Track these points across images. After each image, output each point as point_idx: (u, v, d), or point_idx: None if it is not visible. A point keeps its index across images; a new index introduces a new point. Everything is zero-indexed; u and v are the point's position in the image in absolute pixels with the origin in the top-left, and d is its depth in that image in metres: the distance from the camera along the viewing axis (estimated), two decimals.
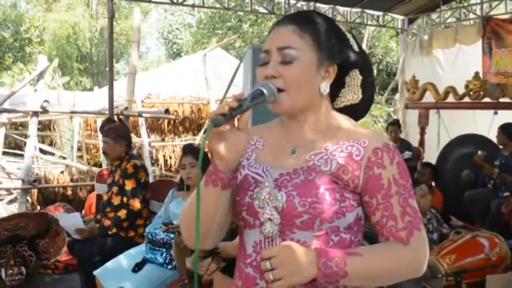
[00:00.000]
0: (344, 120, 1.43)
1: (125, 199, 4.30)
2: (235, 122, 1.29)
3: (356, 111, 1.48)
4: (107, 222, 4.26)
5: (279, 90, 1.34)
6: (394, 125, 7.88)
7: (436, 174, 6.40)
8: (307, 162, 1.36)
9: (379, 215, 1.33)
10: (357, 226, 1.36)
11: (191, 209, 1.34)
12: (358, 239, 1.38)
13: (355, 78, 1.44)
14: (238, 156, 1.30)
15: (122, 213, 4.26)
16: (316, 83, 1.38)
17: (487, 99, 6.51)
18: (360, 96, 1.45)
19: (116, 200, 4.33)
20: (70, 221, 4.48)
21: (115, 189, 4.37)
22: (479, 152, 6.07)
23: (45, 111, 6.93)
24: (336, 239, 1.33)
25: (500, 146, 6.23)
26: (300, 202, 1.31)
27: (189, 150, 3.92)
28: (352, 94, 1.45)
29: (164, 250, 3.80)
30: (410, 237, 1.32)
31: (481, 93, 6.46)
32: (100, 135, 9.96)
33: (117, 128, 4.55)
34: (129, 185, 4.32)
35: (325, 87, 1.39)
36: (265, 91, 1.31)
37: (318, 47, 1.37)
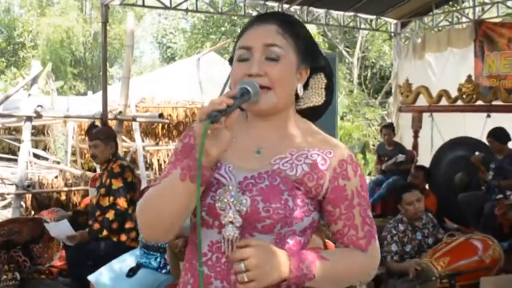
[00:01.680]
0: (309, 127, 1.46)
1: (111, 199, 4.31)
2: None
3: (316, 113, 1.50)
4: (96, 226, 4.27)
5: (264, 87, 1.35)
6: (388, 128, 7.88)
7: (429, 177, 6.43)
8: (272, 166, 1.37)
9: (341, 224, 1.39)
10: (310, 229, 1.41)
11: (159, 201, 1.34)
12: (308, 240, 1.43)
13: (319, 81, 1.46)
14: (221, 154, 1.30)
15: (110, 214, 4.26)
16: (294, 84, 1.41)
17: (479, 102, 6.54)
18: (324, 98, 1.47)
19: (105, 202, 4.35)
20: (59, 230, 4.45)
21: (102, 190, 4.38)
22: (477, 153, 6.07)
23: (38, 116, 6.91)
24: (292, 242, 1.37)
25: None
26: (264, 208, 1.32)
27: None
28: (316, 96, 1.47)
29: (158, 254, 3.80)
30: (369, 245, 1.40)
31: (474, 96, 6.50)
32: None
33: (105, 130, 4.57)
34: (115, 184, 4.33)
35: (300, 89, 1.43)
36: (250, 90, 1.31)
37: (297, 49, 1.39)
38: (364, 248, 1.39)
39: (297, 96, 1.45)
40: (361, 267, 1.41)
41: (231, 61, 1.46)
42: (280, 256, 1.29)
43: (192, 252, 1.43)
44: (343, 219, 1.38)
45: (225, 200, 1.33)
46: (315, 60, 1.44)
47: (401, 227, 4.32)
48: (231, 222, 1.32)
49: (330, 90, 1.48)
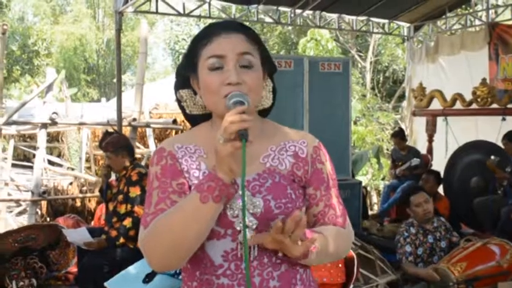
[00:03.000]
0: (273, 123, 1.52)
1: (129, 207, 4.33)
2: None
3: (264, 115, 1.54)
4: (114, 233, 4.27)
5: None
6: (396, 137, 7.62)
7: (440, 181, 6.39)
8: (264, 165, 1.41)
9: (323, 205, 1.46)
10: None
11: (177, 229, 1.28)
12: None
13: (268, 84, 1.50)
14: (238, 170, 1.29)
15: (128, 221, 4.27)
16: (262, 89, 1.46)
17: (494, 106, 6.49)
18: (272, 101, 1.53)
19: (122, 209, 4.36)
20: (77, 236, 4.48)
21: (120, 197, 4.39)
22: (492, 157, 6.02)
23: (54, 123, 6.97)
24: None
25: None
26: (275, 205, 1.36)
27: None
28: (265, 99, 1.51)
29: None
30: (345, 222, 1.48)
31: (489, 99, 6.46)
32: None
33: (115, 141, 4.55)
34: (133, 192, 4.34)
35: (264, 93, 1.48)
36: (244, 101, 1.31)
37: (260, 56, 1.43)
38: (343, 225, 1.46)
39: None
40: (344, 240, 1.46)
41: (184, 69, 1.45)
42: None
43: (201, 267, 1.38)
44: (323, 200, 1.45)
45: (237, 206, 1.32)
46: (271, 66, 1.48)
47: (412, 230, 4.32)
48: (247, 226, 1.31)
49: (275, 92, 1.54)
